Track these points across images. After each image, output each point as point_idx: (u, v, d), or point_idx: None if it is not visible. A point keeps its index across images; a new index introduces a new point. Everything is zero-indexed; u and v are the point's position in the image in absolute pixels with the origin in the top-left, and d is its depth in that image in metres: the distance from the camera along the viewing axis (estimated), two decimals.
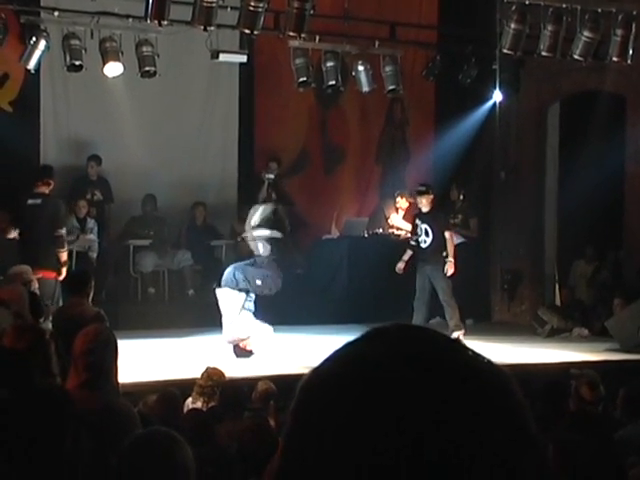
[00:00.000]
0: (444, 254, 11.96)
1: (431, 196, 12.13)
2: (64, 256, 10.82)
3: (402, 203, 14.37)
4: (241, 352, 10.53)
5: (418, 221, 12.19)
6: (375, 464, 0.92)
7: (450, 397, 0.94)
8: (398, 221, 14.43)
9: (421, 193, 12.22)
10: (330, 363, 1.00)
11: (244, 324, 10.50)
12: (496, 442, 0.94)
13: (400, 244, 14.21)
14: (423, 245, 12.10)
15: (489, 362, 1.00)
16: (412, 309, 12.06)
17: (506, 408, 0.97)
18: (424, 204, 12.11)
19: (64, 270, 10.65)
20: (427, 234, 12.05)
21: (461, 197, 14.37)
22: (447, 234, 12.01)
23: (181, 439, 2.93)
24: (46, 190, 11.09)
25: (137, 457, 2.87)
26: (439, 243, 11.99)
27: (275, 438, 4.83)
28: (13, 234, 11.34)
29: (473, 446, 0.93)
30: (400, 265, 12.36)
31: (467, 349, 1.01)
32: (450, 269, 11.88)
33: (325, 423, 0.95)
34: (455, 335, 11.59)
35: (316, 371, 1.00)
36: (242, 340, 10.50)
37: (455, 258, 11.93)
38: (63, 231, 10.91)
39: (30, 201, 10.99)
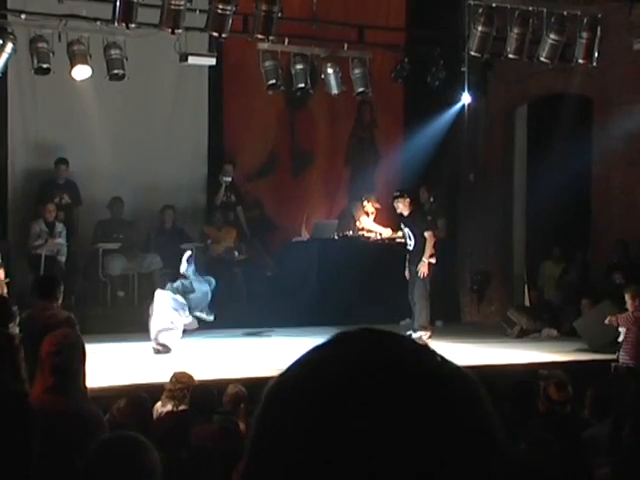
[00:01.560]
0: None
1: (407, 199, 12.24)
2: None
3: (369, 207, 14.43)
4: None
5: (402, 225, 12.39)
6: (342, 471, 0.91)
7: (417, 404, 0.94)
8: (368, 224, 14.46)
9: (395, 197, 12.34)
10: (296, 368, 0.99)
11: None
12: (462, 449, 0.94)
13: (370, 246, 14.26)
14: (410, 248, 12.26)
15: (457, 368, 0.99)
16: (409, 306, 12.33)
17: (473, 415, 0.96)
18: (401, 208, 12.25)
19: None
20: (410, 237, 12.20)
21: (431, 199, 14.44)
22: (427, 234, 12.09)
23: (148, 443, 2.93)
24: None
25: (103, 461, 2.86)
26: (422, 245, 12.11)
27: (244, 442, 4.84)
28: None
29: (440, 453, 0.92)
30: (407, 273, 12.36)
31: (435, 355, 1.00)
32: (422, 269, 11.96)
33: (291, 430, 0.94)
34: (418, 335, 11.65)
35: (282, 377, 0.99)
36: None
37: (432, 259, 12.01)
38: None
39: None
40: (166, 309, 10.77)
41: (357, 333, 1.01)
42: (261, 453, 0.97)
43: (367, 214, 14.47)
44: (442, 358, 1.00)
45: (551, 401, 7.06)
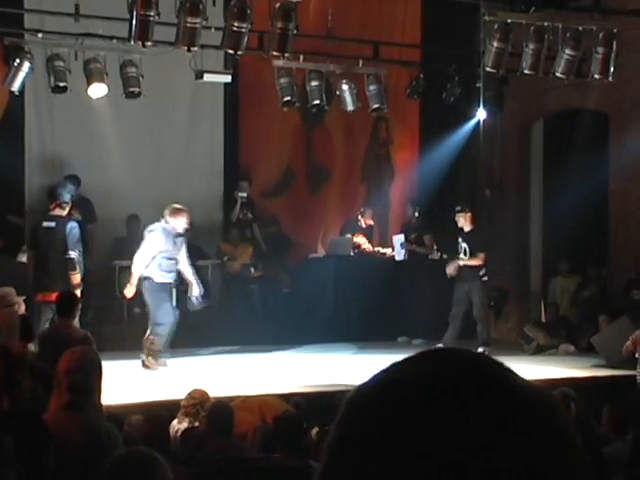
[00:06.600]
0: (481, 273, 12.26)
1: (469, 214, 12.36)
2: (76, 278, 10.68)
3: (362, 222, 14.50)
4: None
5: (459, 239, 12.49)
6: None
7: (502, 423, 0.93)
8: (362, 240, 14.45)
9: (458, 212, 12.47)
10: (374, 383, 1.00)
11: None
12: (551, 466, 0.94)
13: (386, 262, 14.24)
14: (461, 263, 12.35)
15: (538, 387, 1.00)
16: (447, 323, 12.43)
17: (559, 432, 0.97)
18: (463, 223, 12.41)
19: (78, 292, 10.43)
20: (465, 253, 12.28)
21: (416, 214, 14.34)
22: (482, 255, 12.34)
23: (161, 459, 2.93)
24: (61, 212, 10.95)
25: (116, 477, 2.86)
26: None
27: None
28: (22, 257, 11.35)
29: (530, 472, 0.92)
30: (459, 292, 12.51)
31: (516, 375, 1.00)
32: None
33: (364, 441, 0.95)
34: (481, 350, 11.66)
35: (360, 388, 1.00)
36: None
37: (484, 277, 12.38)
38: (74, 254, 10.74)
39: (45, 224, 10.93)
40: None
41: (439, 352, 1.01)
42: (336, 456, 0.97)
43: (361, 229, 14.53)
44: (522, 378, 1.00)
45: None
